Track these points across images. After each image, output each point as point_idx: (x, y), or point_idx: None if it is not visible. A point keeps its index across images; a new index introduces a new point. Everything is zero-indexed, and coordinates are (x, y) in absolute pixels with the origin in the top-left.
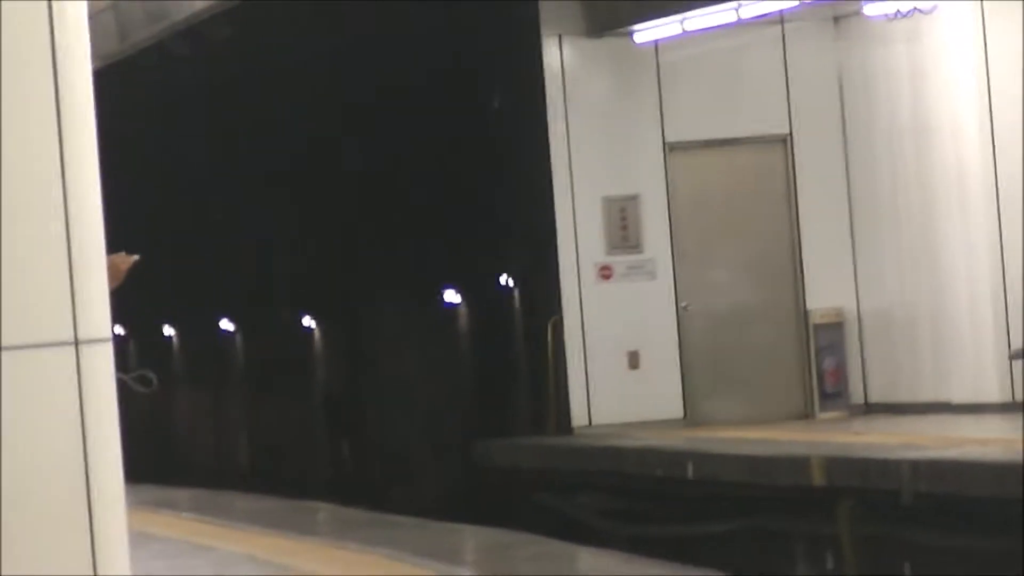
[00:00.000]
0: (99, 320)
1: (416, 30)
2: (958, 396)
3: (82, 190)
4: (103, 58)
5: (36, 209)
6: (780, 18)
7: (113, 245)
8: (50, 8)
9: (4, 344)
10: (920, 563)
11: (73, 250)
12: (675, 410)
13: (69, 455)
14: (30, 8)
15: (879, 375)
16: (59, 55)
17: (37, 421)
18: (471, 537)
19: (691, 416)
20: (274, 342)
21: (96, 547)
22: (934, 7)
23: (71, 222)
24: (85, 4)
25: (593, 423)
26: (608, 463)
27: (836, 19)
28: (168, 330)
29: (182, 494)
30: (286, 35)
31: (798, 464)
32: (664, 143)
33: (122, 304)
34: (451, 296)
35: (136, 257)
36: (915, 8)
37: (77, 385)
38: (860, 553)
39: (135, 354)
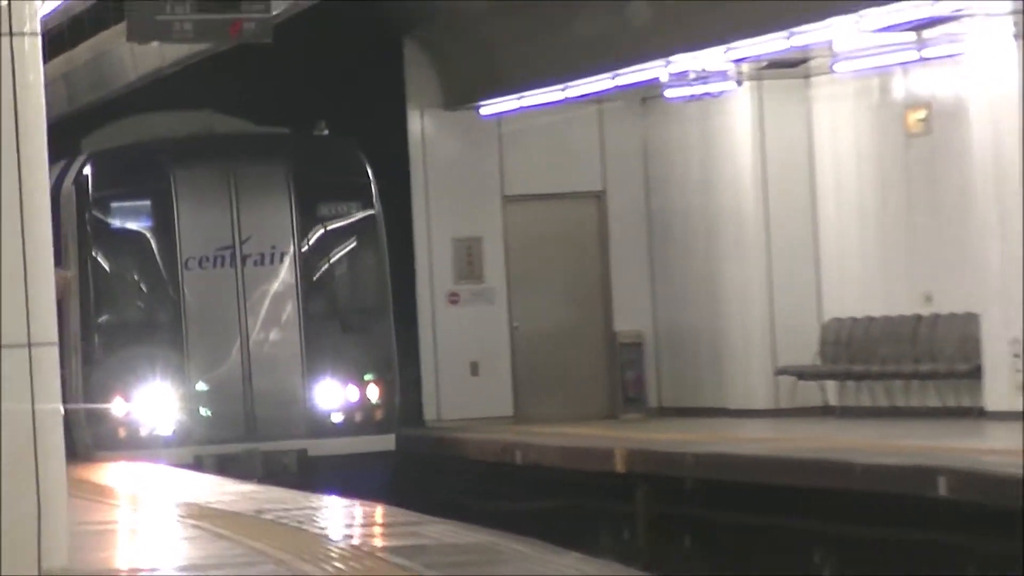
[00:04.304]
0: (47, 326)
1: (307, 97)
2: (733, 403)
3: (35, 216)
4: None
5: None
6: (598, 99)
7: None
8: (11, 46)
9: None
10: (698, 536)
11: (28, 267)
12: (507, 409)
13: (22, 438)
14: None
15: (670, 385)
16: (19, 93)
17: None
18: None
19: (520, 414)
20: None
21: (42, 506)
22: (722, 92)
23: (27, 245)
24: (40, 53)
25: (442, 418)
26: (454, 450)
27: (643, 100)
28: None
29: None
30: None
31: (604, 454)
32: (503, 196)
33: None
34: None
35: (70, 273)
36: (706, 93)
37: (29, 381)
38: (652, 527)
39: None
